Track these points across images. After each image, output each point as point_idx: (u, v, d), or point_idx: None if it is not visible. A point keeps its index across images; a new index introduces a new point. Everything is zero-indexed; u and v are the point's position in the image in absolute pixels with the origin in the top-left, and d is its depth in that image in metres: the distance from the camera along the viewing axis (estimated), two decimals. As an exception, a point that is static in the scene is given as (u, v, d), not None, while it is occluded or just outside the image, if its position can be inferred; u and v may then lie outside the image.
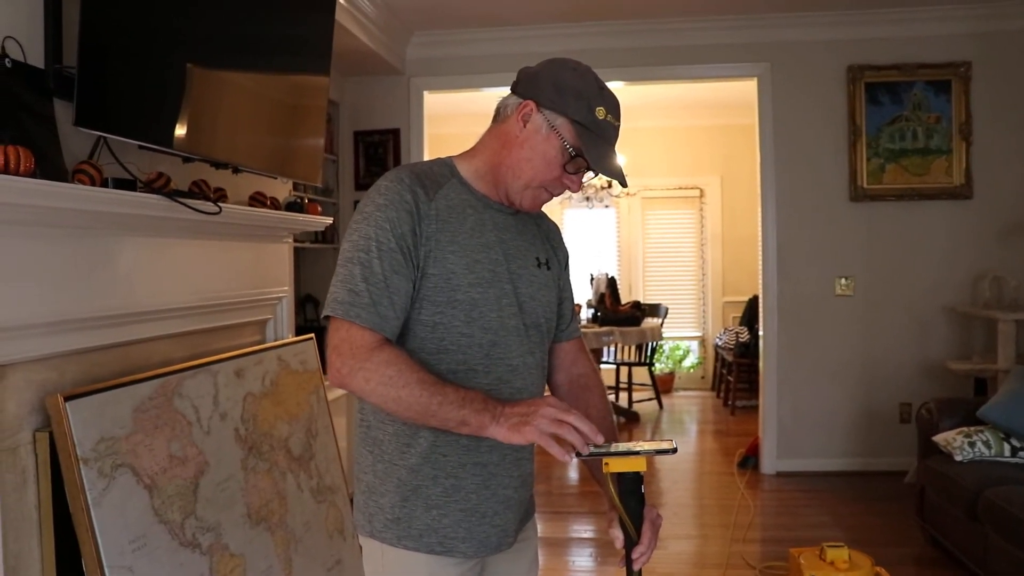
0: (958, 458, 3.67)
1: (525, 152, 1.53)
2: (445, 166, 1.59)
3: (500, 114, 1.59)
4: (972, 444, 3.67)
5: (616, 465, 1.38)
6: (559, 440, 1.33)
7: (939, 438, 3.84)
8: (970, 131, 5.20)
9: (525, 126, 1.52)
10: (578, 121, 1.49)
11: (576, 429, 1.33)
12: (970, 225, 5.25)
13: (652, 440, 1.41)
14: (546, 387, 1.70)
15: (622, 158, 7.87)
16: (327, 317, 1.46)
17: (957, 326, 5.31)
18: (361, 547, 1.62)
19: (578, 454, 1.33)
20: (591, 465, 1.57)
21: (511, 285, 1.55)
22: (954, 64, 5.21)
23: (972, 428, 3.77)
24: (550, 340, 1.70)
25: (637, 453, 1.36)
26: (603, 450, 1.35)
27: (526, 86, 1.54)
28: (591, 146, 1.49)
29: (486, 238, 1.54)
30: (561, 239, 1.78)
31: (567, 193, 1.63)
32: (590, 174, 1.57)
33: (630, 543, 1.43)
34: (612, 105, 1.52)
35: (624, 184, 1.59)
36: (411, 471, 1.52)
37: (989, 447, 3.65)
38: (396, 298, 1.44)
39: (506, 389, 1.51)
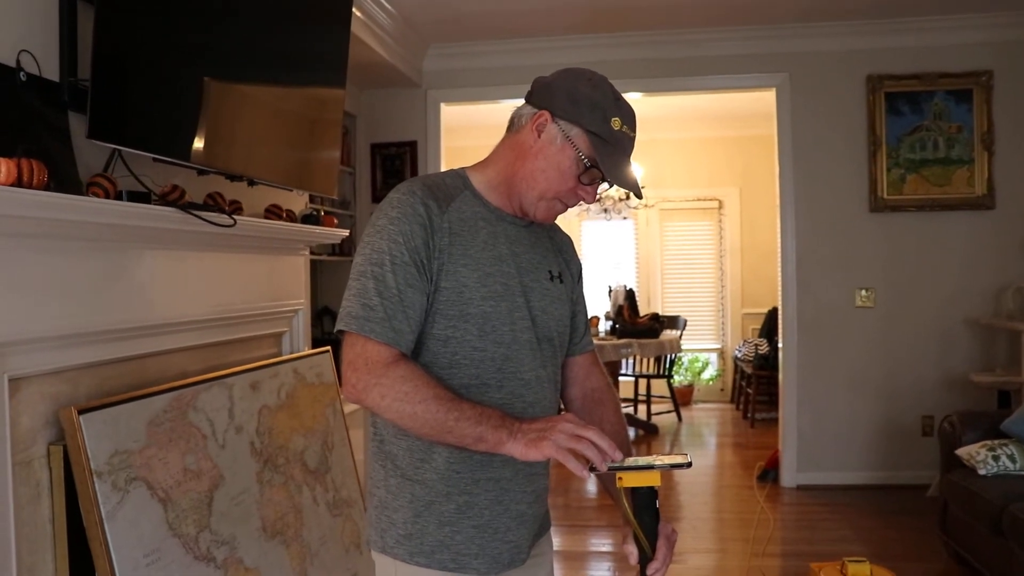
0: (982, 472, 3.61)
1: (539, 163, 1.51)
2: (458, 178, 1.58)
3: (514, 124, 1.57)
4: (996, 458, 3.61)
5: (630, 480, 1.35)
6: (576, 455, 1.31)
7: (962, 451, 3.78)
8: (992, 141, 5.15)
9: (539, 136, 1.51)
10: (593, 132, 1.47)
11: (594, 444, 1.31)
12: (992, 236, 5.19)
13: (670, 454, 1.37)
14: (559, 401, 1.68)
15: (638, 169, 7.87)
16: (341, 332, 1.45)
17: (980, 338, 5.24)
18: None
19: (592, 469, 1.31)
20: (605, 480, 1.54)
21: (524, 298, 1.53)
22: (975, 73, 5.16)
23: (996, 442, 3.71)
24: (563, 354, 1.67)
25: (651, 468, 1.34)
26: (617, 465, 1.33)
27: (540, 96, 1.52)
28: (606, 157, 1.47)
29: (499, 251, 1.52)
30: (574, 252, 1.76)
31: (583, 204, 1.61)
32: (604, 185, 1.55)
33: (645, 559, 1.40)
34: (628, 116, 1.50)
35: (639, 196, 1.57)
36: (425, 487, 1.50)
37: (1014, 461, 3.59)
38: (411, 312, 1.43)
39: (519, 403, 1.49)
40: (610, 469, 1.32)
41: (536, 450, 1.32)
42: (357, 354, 1.41)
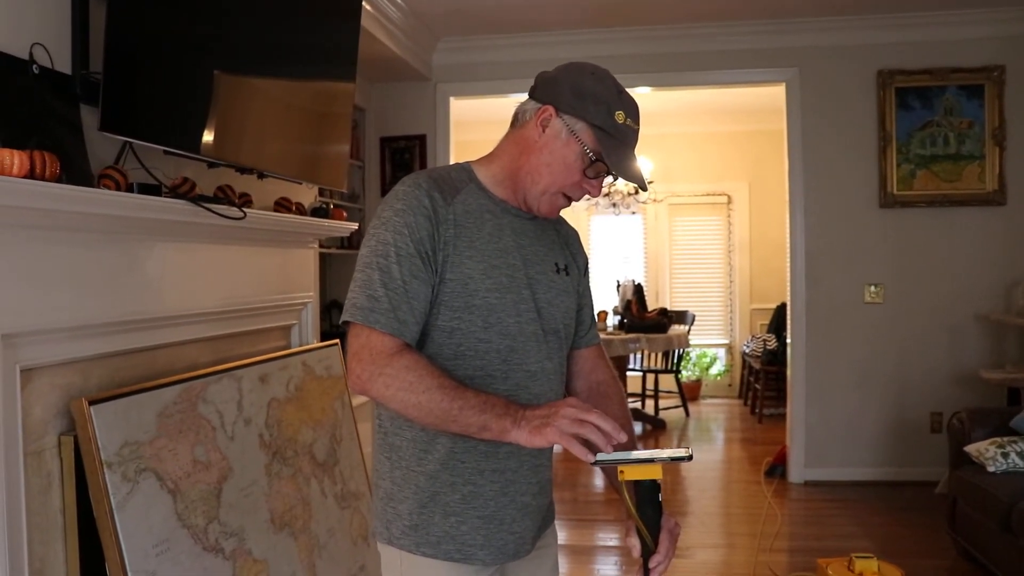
0: (991, 469, 3.60)
1: (544, 157, 1.52)
2: (463, 171, 1.59)
3: (519, 119, 1.58)
4: (1006, 455, 3.60)
5: (632, 473, 1.36)
6: (582, 440, 1.31)
7: (971, 448, 3.78)
8: (1003, 136, 5.12)
9: (544, 131, 1.51)
10: (598, 126, 1.48)
11: (598, 428, 1.31)
12: (1003, 232, 5.16)
13: (674, 448, 1.38)
14: (565, 394, 1.69)
15: (647, 164, 7.86)
16: (346, 323, 1.46)
17: (990, 334, 5.22)
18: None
19: (595, 462, 1.32)
20: (610, 474, 1.55)
21: (529, 290, 1.54)
22: (987, 68, 5.13)
23: (1005, 439, 3.70)
24: (569, 346, 1.68)
25: (652, 460, 1.34)
26: (619, 458, 1.33)
27: (545, 91, 1.53)
28: (611, 151, 1.48)
29: (504, 243, 1.53)
30: (580, 244, 1.77)
31: (592, 199, 1.62)
32: (609, 179, 1.55)
33: (647, 552, 1.41)
34: (632, 109, 1.50)
35: (645, 188, 1.58)
36: (429, 477, 1.51)
37: (1023, 458, 3.58)
38: (415, 303, 1.44)
39: (524, 395, 1.50)
40: (609, 461, 1.33)
41: (540, 437, 1.32)
42: (362, 344, 1.42)
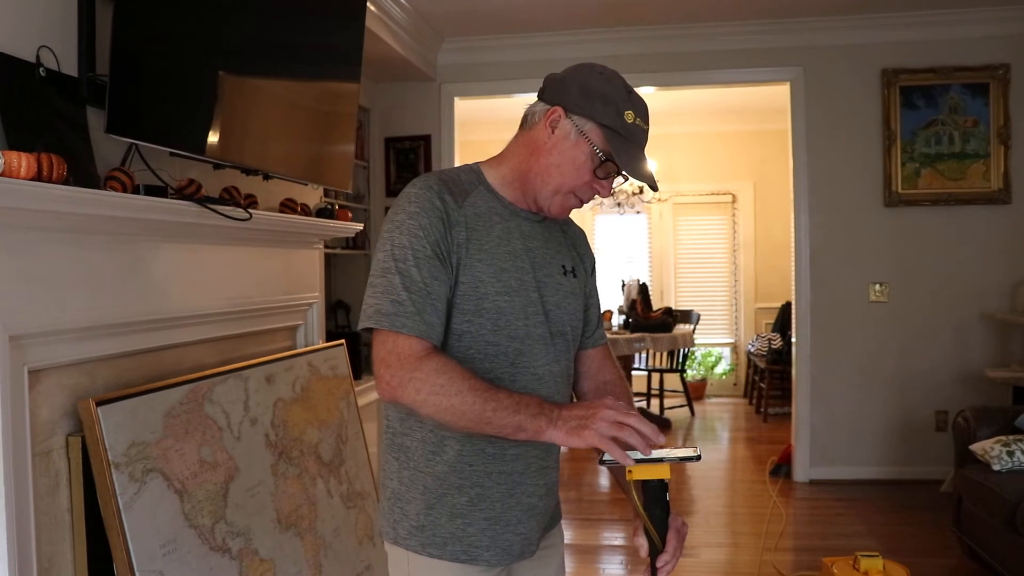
0: (996, 468, 3.60)
1: (554, 158, 1.52)
2: (472, 173, 1.59)
3: (527, 121, 1.58)
4: (1011, 453, 3.60)
5: (640, 472, 1.36)
6: (620, 443, 1.31)
7: (976, 447, 3.77)
8: (1008, 135, 5.11)
9: (553, 132, 1.51)
10: (607, 125, 1.48)
11: (637, 431, 1.31)
12: (1008, 230, 5.16)
13: (681, 447, 1.38)
14: (572, 396, 1.69)
15: (653, 163, 7.86)
16: (369, 330, 1.44)
17: (995, 333, 5.21)
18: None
19: (602, 462, 1.32)
20: (617, 473, 1.55)
21: (537, 293, 1.54)
22: (992, 67, 5.12)
23: (1011, 437, 3.69)
24: (576, 348, 1.68)
25: (661, 460, 1.34)
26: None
27: (553, 92, 1.53)
28: (621, 150, 1.48)
29: (513, 246, 1.53)
30: (587, 245, 1.77)
31: (597, 199, 1.62)
32: (619, 179, 1.55)
33: (655, 551, 1.41)
34: (641, 109, 1.51)
35: (655, 188, 1.58)
36: (437, 479, 1.51)
37: (1029, 457, 3.58)
38: (438, 304, 1.43)
39: (531, 398, 1.50)
40: (616, 462, 1.33)
41: (579, 438, 1.32)
42: (389, 350, 1.40)
